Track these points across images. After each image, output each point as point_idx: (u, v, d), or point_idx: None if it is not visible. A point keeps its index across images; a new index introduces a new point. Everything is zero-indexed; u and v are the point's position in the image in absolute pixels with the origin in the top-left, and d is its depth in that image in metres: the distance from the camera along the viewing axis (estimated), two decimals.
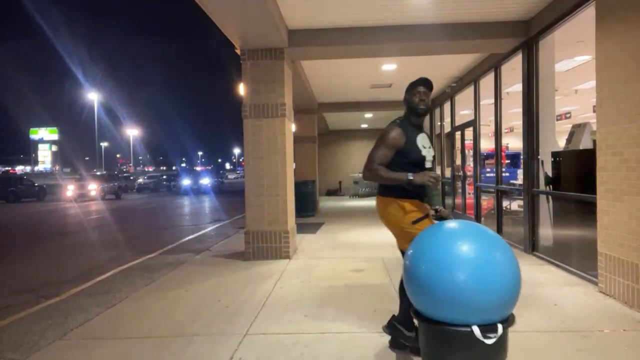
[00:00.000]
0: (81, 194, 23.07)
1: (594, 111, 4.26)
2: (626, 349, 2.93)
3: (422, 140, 2.86)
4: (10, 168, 72.29)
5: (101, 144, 61.36)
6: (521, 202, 6.50)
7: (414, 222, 2.71)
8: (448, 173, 10.64)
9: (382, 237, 7.71)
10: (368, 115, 14.89)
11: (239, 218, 11.39)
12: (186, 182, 27.49)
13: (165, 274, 5.38)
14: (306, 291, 4.45)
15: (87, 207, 18.87)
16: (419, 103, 2.84)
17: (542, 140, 5.71)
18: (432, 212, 2.83)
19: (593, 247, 4.17)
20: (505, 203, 8.26)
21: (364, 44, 6.11)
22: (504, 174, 7.80)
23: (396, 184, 2.74)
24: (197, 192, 26.36)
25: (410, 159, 2.78)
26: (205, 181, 28.86)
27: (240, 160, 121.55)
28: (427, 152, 2.87)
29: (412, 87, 2.88)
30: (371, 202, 15.38)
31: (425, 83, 2.88)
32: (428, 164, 2.88)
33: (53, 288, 4.96)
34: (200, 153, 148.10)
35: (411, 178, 2.65)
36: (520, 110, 5.99)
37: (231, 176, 77.07)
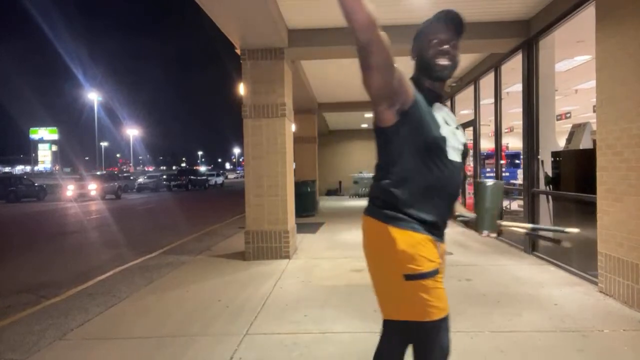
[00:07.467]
0: (81, 194, 23.09)
1: (594, 111, 4.26)
2: (626, 349, 2.93)
3: (442, 115, 1.65)
4: (8, 168, 72.32)
5: (101, 143, 61.37)
6: (521, 202, 6.51)
7: (409, 278, 1.55)
8: None
9: None
10: (368, 115, 14.87)
11: None
12: None
13: (165, 274, 5.38)
14: (306, 291, 4.45)
15: (87, 207, 18.86)
16: (437, 57, 1.64)
17: (542, 140, 5.71)
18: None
19: (593, 247, 4.17)
20: (505, 203, 8.27)
21: None
22: (504, 174, 7.80)
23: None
24: None
25: (421, 138, 1.54)
26: None
27: (240, 160, 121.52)
28: (452, 133, 1.62)
29: (427, 30, 1.70)
30: None
31: (454, 24, 1.68)
32: (453, 155, 1.60)
33: (53, 288, 4.95)
34: (200, 153, 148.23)
35: None
36: (520, 110, 5.99)
37: (231, 176, 77.10)
